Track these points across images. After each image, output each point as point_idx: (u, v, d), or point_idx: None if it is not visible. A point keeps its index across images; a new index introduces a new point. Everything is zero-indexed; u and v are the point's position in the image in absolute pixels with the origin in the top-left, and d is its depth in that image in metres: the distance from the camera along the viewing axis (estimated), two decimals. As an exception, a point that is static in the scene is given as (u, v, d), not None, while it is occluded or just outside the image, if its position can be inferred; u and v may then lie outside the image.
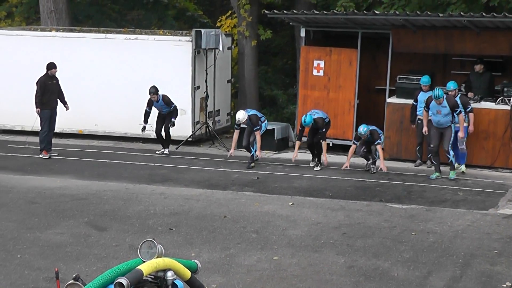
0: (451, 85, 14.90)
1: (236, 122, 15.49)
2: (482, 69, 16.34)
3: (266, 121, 15.99)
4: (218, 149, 17.55)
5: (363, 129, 14.67)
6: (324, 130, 15.32)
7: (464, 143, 14.83)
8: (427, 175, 14.89)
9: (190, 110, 17.74)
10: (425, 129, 14.65)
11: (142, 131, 16.59)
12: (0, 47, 18.78)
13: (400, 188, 13.96)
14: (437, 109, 14.19)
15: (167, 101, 16.28)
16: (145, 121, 16.37)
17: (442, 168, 14.69)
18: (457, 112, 14.22)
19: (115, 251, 9.76)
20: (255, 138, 15.49)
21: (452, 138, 14.37)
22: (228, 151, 16.00)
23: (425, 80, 15.38)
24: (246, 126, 15.60)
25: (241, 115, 15.32)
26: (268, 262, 9.61)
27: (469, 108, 14.97)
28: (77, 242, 10.33)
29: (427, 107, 14.42)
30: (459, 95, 15.02)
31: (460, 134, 14.60)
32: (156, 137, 16.79)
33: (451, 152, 14.35)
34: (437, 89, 14.16)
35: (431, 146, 14.63)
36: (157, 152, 16.73)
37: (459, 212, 12.28)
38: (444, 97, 14.10)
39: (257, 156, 15.46)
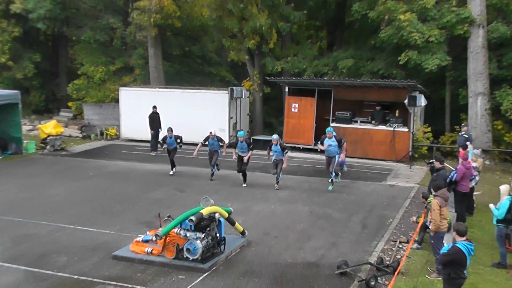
0: (274, 136, 11.07)
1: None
2: (379, 108, 16.34)
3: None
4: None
5: (275, 135, 11.13)
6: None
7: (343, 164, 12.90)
8: (357, 170, 14.36)
9: (227, 129, 17.54)
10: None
11: (162, 146, 13.14)
12: (129, 97, 18.74)
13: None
14: (328, 144, 11.34)
15: (175, 136, 12.87)
16: (162, 143, 12.97)
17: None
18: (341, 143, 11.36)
19: (189, 203, 9.66)
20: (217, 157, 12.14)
21: (336, 162, 11.31)
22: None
23: (329, 129, 11.45)
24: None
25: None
26: (268, 209, 9.73)
27: (343, 142, 11.51)
28: (168, 198, 10.41)
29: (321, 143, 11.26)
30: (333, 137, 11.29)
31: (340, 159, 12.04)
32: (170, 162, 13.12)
33: (333, 173, 11.41)
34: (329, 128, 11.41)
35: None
36: (170, 173, 12.96)
37: (367, 183, 12.33)
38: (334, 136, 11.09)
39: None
